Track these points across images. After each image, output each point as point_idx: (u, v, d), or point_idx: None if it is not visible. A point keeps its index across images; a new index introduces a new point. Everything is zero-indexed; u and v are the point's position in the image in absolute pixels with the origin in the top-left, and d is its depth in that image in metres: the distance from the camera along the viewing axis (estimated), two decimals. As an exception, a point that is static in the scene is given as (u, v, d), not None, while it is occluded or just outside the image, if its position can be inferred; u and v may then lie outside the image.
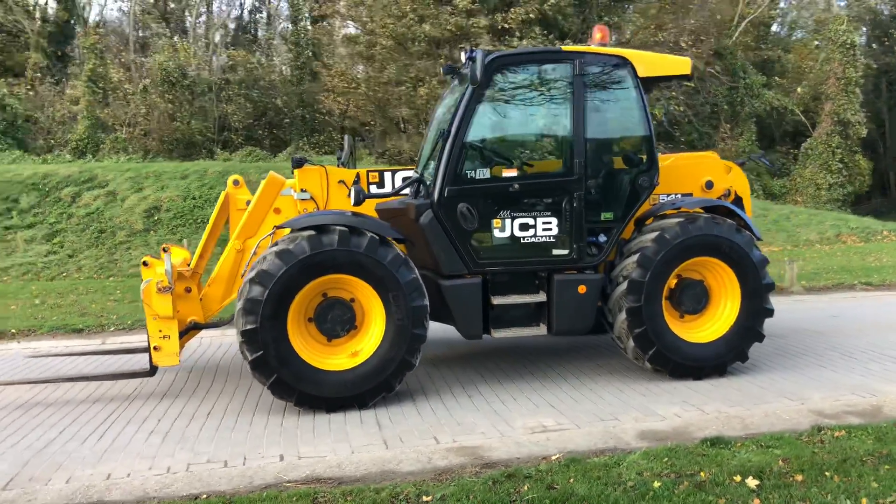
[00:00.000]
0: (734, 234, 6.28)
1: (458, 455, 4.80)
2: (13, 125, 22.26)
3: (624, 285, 6.13)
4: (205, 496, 4.23)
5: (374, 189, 6.84)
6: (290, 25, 28.75)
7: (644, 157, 6.29)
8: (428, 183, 6.11)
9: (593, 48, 6.17)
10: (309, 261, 5.54)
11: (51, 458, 4.91)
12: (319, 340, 5.86)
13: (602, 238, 6.27)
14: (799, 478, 4.15)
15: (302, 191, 6.62)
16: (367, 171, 6.84)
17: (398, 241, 6.05)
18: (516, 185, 5.98)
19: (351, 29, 22.71)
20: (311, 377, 5.63)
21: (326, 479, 4.48)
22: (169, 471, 4.66)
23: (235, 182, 6.82)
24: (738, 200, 7.17)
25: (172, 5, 32.06)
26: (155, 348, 6.02)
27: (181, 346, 6.53)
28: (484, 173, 5.99)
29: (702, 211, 6.45)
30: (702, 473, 4.25)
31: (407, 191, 6.46)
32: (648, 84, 6.52)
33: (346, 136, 7.83)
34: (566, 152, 6.13)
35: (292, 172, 6.68)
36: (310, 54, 26.11)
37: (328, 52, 24.32)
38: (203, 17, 31.94)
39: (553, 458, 4.64)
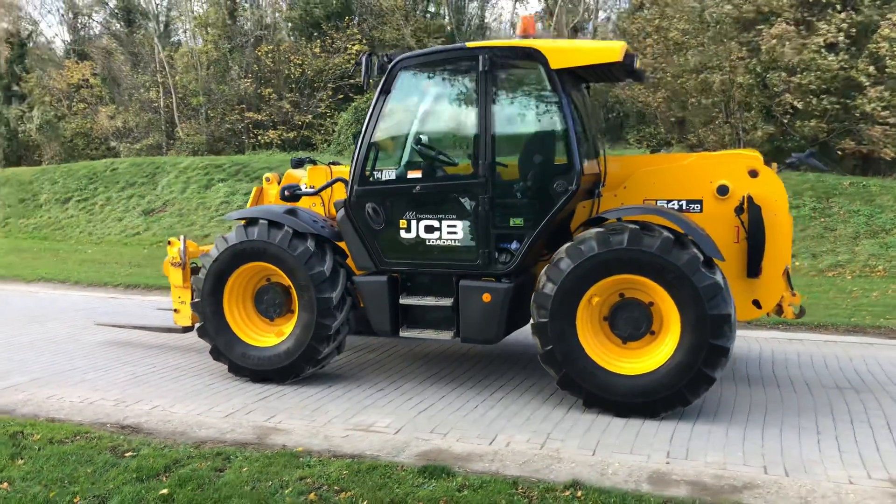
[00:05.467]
0: (669, 251, 5.25)
1: (251, 433, 5.27)
2: None
3: (532, 298, 5.64)
4: (41, 418, 5.57)
5: None
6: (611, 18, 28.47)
7: (560, 158, 5.61)
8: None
9: (499, 41, 5.70)
10: (236, 248, 6.41)
11: (50, 378, 6.67)
12: (264, 319, 6.68)
13: (514, 245, 5.80)
14: None
15: (311, 187, 7.43)
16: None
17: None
18: (418, 188, 5.93)
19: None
20: (239, 350, 6.50)
21: (133, 427, 5.42)
22: (77, 401, 6.03)
23: (267, 179, 7.93)
24: (756, 210, 5.79)
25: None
26: (175, 311, 7.50)
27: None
28: (389, 174, 6.07)
29: (666, 223, 5.47)
30: (343, 494, 4.09)
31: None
32: (577, 76, 5.74)
33: None
34: (472, 154, 5.83)
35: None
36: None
37: (638, 45, 23.28)
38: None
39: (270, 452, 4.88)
